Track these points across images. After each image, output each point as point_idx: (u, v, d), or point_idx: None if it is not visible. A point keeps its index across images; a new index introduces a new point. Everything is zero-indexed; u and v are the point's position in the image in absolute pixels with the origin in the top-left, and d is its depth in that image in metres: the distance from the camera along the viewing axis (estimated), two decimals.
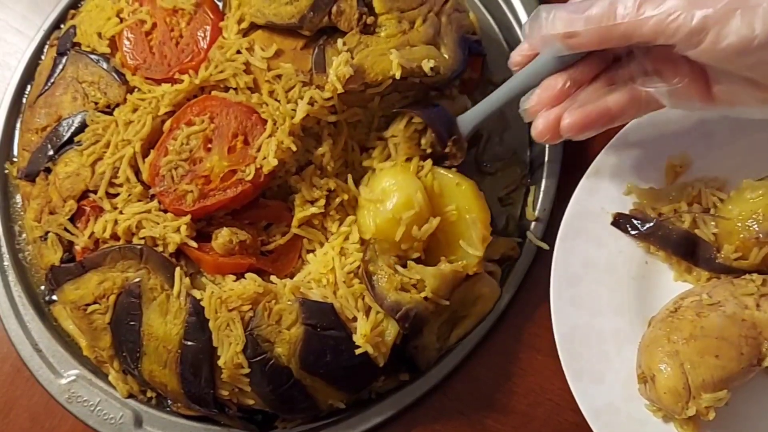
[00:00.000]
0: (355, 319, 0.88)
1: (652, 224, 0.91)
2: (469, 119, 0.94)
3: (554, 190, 0.98)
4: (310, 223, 0.95)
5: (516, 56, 0.86)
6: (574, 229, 0.93)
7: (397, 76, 0.92)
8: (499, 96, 0.90)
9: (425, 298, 0.89)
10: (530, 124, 0.85)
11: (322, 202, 0.94)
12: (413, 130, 0.95)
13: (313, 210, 0.94)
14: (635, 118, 0.82)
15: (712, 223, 0.89)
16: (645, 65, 0.78)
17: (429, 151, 0.95)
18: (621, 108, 0.80)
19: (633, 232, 0.92)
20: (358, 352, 0.87)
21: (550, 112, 0.81)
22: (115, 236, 0.93)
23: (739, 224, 0.88)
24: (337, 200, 0.95)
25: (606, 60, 0.81)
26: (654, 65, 0.77)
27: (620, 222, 0.93)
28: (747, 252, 0.87)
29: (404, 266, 0.91)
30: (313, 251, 0.96)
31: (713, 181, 0.93)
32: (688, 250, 0.90)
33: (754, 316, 0.81)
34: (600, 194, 0.94)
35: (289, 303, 0.88)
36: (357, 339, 0.87)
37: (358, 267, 0.90)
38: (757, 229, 0.87)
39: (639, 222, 0.92)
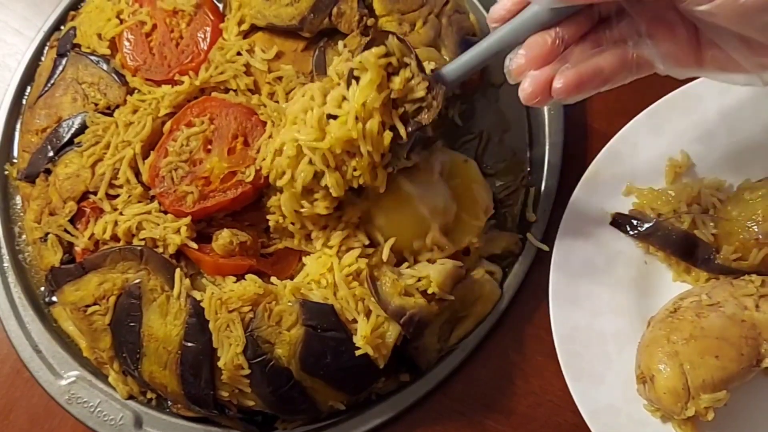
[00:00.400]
0: (355, 320, 0.88)
1: (651, 224, 0.91)
2: (449, 72, 0.84)
3: (554, 192, 0.98)
4: (292, 236, 0.95)
5: (498, 10, 0.78)
6: (573, 230, 0.93)
7: None
8: (481, 50, 0.81)
9: (432, 294, 0.89)
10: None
11: (277, 214, 0.93)
12: (387, 64, 0.83)
13: (273, 220, 0.93)
14: (625, 82, 0.76)
15: (711, 224, 0.89)
16: (638, 26, 0.73)
17: (397, 93, 0.84)
18: (613, 70, 0.74)
19: (632, 233, 0.92)
20: (358, 353, 0.87)
21: (540, 72, 0.75)
22: (115, 237, 0.94)
23: (739, 225, 0.88)
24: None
25: (593, 19, 0.76)
26: (647, 26, 0.73)
27: (619, 222, 0.93)
28: (746, 253, 0.87)
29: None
30: (309, 254, 0.96)
31: (713, 182, 0.93)
32: (688, 251, 0.90)
33: (753, 317, 0.81)
34: (599, 194, 0.94)
35: (289, 304, 0.88)
36: (357, 341, 0.87)
37: (357, 271, 0.90)
38: (756, 230, 0.87)
39: (638, 222, 0.92)
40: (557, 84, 0.74)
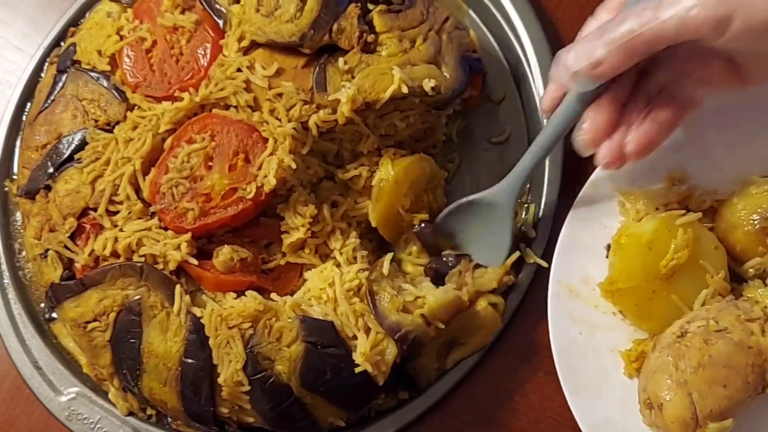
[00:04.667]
0: (355, 337, 0.88)
1: None
2: (511, 185, 0.93)
3: (554, 208, 0.98)
4: (303, 248, 0.96)
5: (547, 102, 0.89)
6: (571, 244, 0.93)
7: (405, 90, 0.92)
8: (538, 148, 0.91)
9: (421, 315, 0.89)
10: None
11: (305, 228, 0.94)
12: None
13: (298, 236, 0.94)
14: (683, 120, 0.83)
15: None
16: (674, 70, 0.79)
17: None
18: (672, 119, 0.81)
19: None
20: (357, 370, 0.87)
21: (612, 141, 0.82)
22: (115, 254, 0.94)
23: (744, 218, 0.88)
24: (326, 228, 0.96)
25: (633, 75, 0.82)
26: (683, 67, 0.79)
27: None
28: (750, 246, 0.88)
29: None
30: (313, 267, 0.96)
31: (713, 193, 0.93)
32: None
33: (759, 342, 0.81)
34: (597, 209, 0.94)
35: (289, 320, 0.89)
36: (356, 357, 0.87)
37: (359, 286, 0.90)
38: (759, 221, 0.87)
39: None
40: (629, 148, 0.81)
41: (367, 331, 0.89)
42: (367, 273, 0.92)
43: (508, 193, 0.94)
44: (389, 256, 0.93)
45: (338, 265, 0.94)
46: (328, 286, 0.91)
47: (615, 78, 0.80)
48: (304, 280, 0.95)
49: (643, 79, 0.82)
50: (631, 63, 0.76)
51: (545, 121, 0.88)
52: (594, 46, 0.76)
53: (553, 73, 0.82)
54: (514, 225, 0.96)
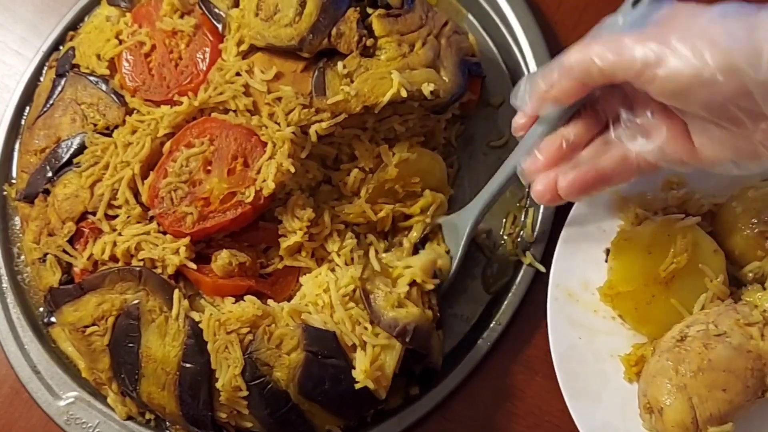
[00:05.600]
0: (354, 346, 0.88)
1: None
2: (471, 212, 0.96)
3: (553, 212, 0.98)
4: (300, 251, 0.96)
5: (519, 120, 0.86)
6: (570, 249, 0.93)
7: (404, 94, 0.92)
8: (500, 179, 0.92)
9: (414, 282, 0.92)
10: None
11: (302, 232, 0.94)
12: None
13: (296, 239, 0.94)
14: (629, 181, 0.83)
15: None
16: (628, 121, 0.79)
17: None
18: (613, 169, 0.80)
19: None
20: (358, 386, 0.87)
21: (549, 174, 0.82)
22: (114, 258, 0.93)
23: (742, 222, 0.88)
24: (325, 231, 0.95)
25: (600, 122, 0.82)
26: (640, 124, 0.78)
27: None
28: (750, 249, 0.88)
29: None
30: (309, 271, 0.96)
31: (711, 197, 0.93)
32: None
33: (759, 347, 0.81)
34: (596, 213, 0.94)
35: (291, 328, 0.88)
36: (357, 375, 0.87)
37: (354, 290, 0.90)
38: (758, 225, 0.87)
39: None
40: (560, 184, 0.81)
41: (364, 345, 0.88)
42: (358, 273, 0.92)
43: (468, 216, 0.96)
44: (373, 253, 0.94)
45: (332, 270, 0.94)
46: (323, 292, 0.91)
47: (579, 117, 0.82)
48: (301, 285, 0.95)
49: (607, 129, 0.82)
50: (580, 91, 0.78)
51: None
52: (552, 68, 0.79)
53: (519, 98, 0.83)
54: (465, 247, 0.97)
